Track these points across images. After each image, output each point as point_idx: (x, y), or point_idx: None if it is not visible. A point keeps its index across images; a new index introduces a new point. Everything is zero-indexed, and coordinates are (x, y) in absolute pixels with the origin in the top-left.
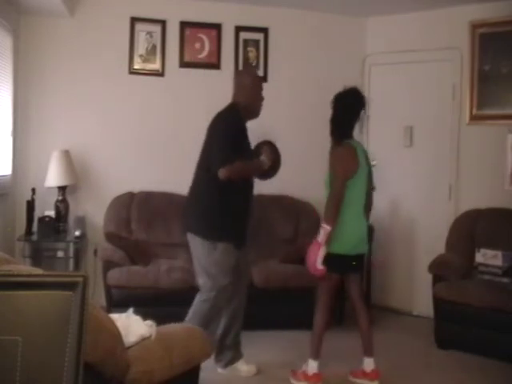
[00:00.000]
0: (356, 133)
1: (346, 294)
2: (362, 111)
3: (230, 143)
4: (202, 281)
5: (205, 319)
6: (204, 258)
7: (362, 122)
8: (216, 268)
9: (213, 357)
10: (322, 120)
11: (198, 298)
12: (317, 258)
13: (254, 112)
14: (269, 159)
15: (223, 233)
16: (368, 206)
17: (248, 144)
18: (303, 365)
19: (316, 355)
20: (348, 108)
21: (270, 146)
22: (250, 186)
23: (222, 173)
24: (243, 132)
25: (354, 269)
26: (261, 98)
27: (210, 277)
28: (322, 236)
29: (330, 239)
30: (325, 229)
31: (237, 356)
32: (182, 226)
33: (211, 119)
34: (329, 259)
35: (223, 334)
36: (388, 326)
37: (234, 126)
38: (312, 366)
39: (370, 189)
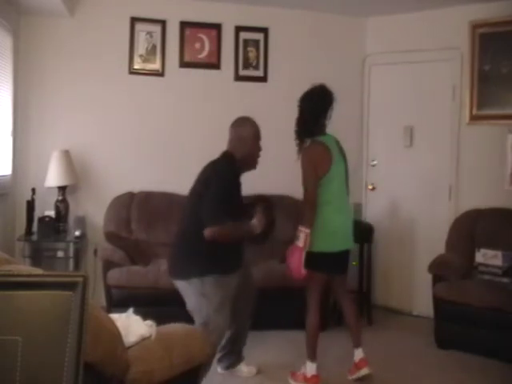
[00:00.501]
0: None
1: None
2: (330, 108)
3: (222, 201)
4: (197, 322)
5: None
6: (196, 300)
7: (330, 118)
8: (210, 303)
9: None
10: None
11: None
12: (301, 263)
13: (251, 164)
14: (260, 224)
15: (210, 266)
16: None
17: (240, 198)
18: (302, 366)
19: (313, 356)
20: (313, 107)
21: (264, 208)
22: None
23: (208, 232)
24: (237, 186)
25: (339, 266)
26: (259, 150)
27: (206, 320)
28: (302, 240)
29: (310, 240)
30: (304, 232)
31: (239, 359)
32: (170, 273)
33: (205, 166)
34: (312, 259)
35: (231, 341)
36: (388, 325)
37: (229, 182)
38: (310, 368)
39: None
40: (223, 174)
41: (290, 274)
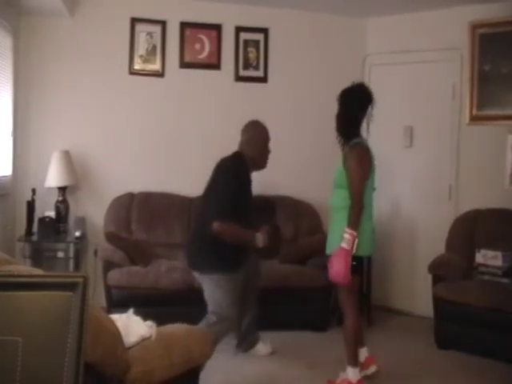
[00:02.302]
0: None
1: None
2: (370, 107)
3: (231, 195)
4: (213, 309)
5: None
6: (215, 289)
7: (368, 119)
8: (227, 298)
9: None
10: (322, 120)
11: (204, 322)
12: (348, 266)
13: (260, 165)
14: (264, 241)
15: (228, 266)
16: None
17: (250, 196)
18: (340, 373)
19: (355, 362)
20: (357, 103)
21: (272, 230)
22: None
23: (216, 226)
24: (247, 184)
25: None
26: (268, 151)
27: (218, 310)
28: (349, 242)
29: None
30: (351, 234)
31: (256, 340)
32: (189, 265)
33: (217, 163)
34: (353, 263)
35: (246, 331)
36: (388, 325)
37: (236, 178)
38: (354, 373)
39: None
40: (231, 171)
41: (334, 277)
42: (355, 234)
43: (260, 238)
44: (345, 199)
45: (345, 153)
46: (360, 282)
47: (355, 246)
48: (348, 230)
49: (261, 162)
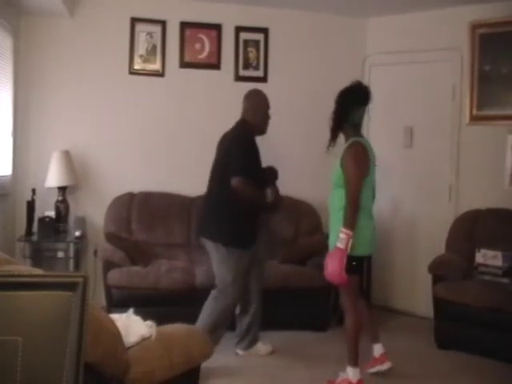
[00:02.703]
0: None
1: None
2: (363, 106)
3: (246, 156)
4: (217, 282)
5: (217, 316)
6: (219, 263)
7: (367, 117)
8: (230, 273)
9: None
10: (322, 120)
11: (211, 296)
12: (343, 266)
13: (261, 130)
14: (273, 194)
15: (239, 240)
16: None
17: (259, 161)
18: (339, 373)
19: (355, 362)
20: (347, 101)
21: (274, 189)
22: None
23: (235, 181)
24: (256, 149)
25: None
26: (268, 117)
27: (224, 281)
28: (344, 242)
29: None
30: (347, 234)
31: (255, 339)
32: (201, 232)
33: (222, 137)
34: (350, 262)
35: (247, 329)
36: (388, 325)
37: (247, 142)
38: (354, 373)
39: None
40: (242, 136)
41: (329, 277)
42: (351, 233)
43: (269, 193)
44: (343, 199)
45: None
46: (360, 281)
47: (350, 246)
48: (344, 229)
49: (262, 128)
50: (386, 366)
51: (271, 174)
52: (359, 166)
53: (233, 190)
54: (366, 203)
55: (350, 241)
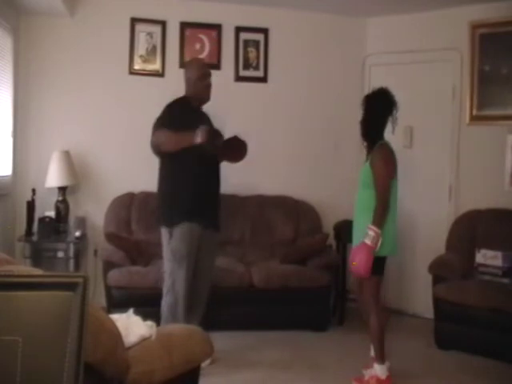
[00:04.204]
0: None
1: (346, 295)
2: (394, 111)
3: (166, 116)
4: (165, 269)
5: (171, 310)
6: (165, 247)
7: (394, 122)
8: (173, 255)
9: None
10: (322, 120)
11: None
12: (369, 262)
13: (203, 99)
14: (203, 136)
15: (178, 215)
16: None
17: (193, 123)
18: (363, 371)
19: (382, 359)
20: (381, 108)
21: (212, 130)
22: (206, 163)
23: (151, 140)
24: (187, 113)
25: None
26: (206, 86)
27: (168, 265)
28: (372, 239)
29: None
30: (375, 232)
31: None
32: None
33: None
34: (378, 263)
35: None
36: (388, 326)
37: (174, 106)
38: (382, 370)
39: None
40: (167, 106)
41: (356, 270)
42: (379, 232)
43: (198, 134)
44: (371, 199)
45: (371, 154)
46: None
47: (379, 245)
48: (372, 227)
49: (202, 97)
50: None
51: (206, 130)
52: (388, 167)
53: (152, 149)
54: (392, 203)
55: (380, 240)
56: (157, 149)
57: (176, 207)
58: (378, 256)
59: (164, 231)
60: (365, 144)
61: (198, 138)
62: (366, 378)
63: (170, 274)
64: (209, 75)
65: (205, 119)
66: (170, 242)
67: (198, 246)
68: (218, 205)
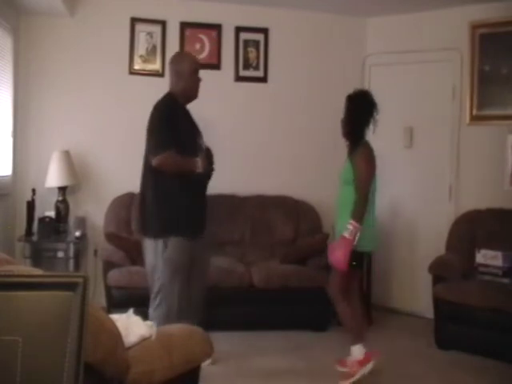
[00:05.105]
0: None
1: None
2: (375, 113)
3: (161, 130)
4: (154, 287)
5: (160, 323)
6: (156, 259)
7: (374, 124)
8: (167, 268)
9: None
10: (322, 120)
11: (150, 307)
12: (347, 255)
13: (191, 95)
14: (203, 163)
15: (173, 226)
16: None
17: (190, 134)
18: (347, 361)
19: (357, 340)
20: (365, 108)
21: (206, 154)
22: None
23: (155, 161)
24: (179, 116)
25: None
26: (197, 81)
27: (161, 276)
28: (352, 233)
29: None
30: (355, 226)
31: None
32: (139, 231)
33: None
34: (358, 257)
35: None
36: (388, 326)
37: (164, 113)
38: (358, 350)
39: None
40: (157, 109)
41: (334, 263)
42: (358, 226)
43: (199, 163)
44: (352, 195)
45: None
46: (360, 277)
47: (357, 238)
48: (352, 221)
49: (192, 94)
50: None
51: (205, 158)
52: (370, 164)
53: (156, 169)
54: (372, 200)
55: (358, 234)
56: (159, 169)
57: (172, 218)
58: (357, 250)
59: (153, 242)
60: (347, 143)
61: (200, 168)
62: (348, 365)
63: (162, 285)
64: (198, 68)
65: (192, 119)
66: (165, 252)
67: (190, 257)
68: (206, 211)
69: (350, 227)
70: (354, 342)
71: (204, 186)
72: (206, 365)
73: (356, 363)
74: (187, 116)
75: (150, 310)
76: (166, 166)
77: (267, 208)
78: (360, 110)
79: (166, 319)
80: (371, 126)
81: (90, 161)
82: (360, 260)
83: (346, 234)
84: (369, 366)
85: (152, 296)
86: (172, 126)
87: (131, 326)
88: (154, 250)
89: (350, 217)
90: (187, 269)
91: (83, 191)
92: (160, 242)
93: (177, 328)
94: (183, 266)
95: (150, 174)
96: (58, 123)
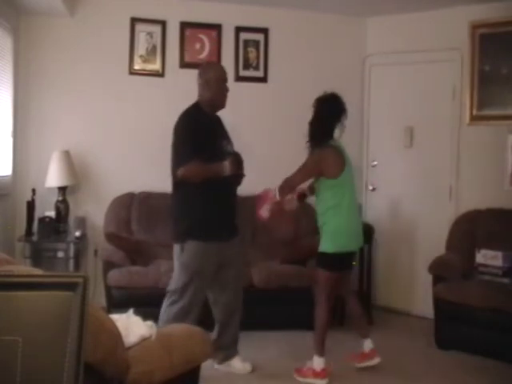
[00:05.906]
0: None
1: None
2: (343, 117)
3: (190, 141)
4: (171, 285)
5: (177, 319)
6: (175, 263)
7: (341, 129)
8: (182, 272)
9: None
10: None
11: (164, 303)
12: (265, 206)
13: (219, 105)
14: (231, 166)
15: (187, 230)
16: None
17: (215, 142)
18: (307, 362)
19: (321, 352)
20: (332, 110)
21: (235, 158)
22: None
23: (180, 172)
24: (207, 126)
25: (349, 264)
26: (225, 90)
27: (175, 279)
28: (275, 192)
29: (323, 241)
30: (276, 193)
31: (232, 353)
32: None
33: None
34: (328, 259)
35: (219, 332)
36: (388, 325)
37: (194, 123)
38: (318, 362)
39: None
40: (182, 119)
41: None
42: (277, 197)
43: (227, 166)
44: (327, 200)
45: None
46: (347, 278)
47: (277, 194)
48: (277, 190)
49: (219, 102)
50: (375, 361)
51: (234, 161)
52: (316, 167)
53: (182, 180)
54: (343, 201)
55: (274, 198)
56: (185, 180)
57: (186, 223)
58: (327, 253)
59: (175, 246)
60: (309, 145)
61: (227, 170)
62: (304, 369)
63: (176, 289)
64: (226, 80)
65: (221, 127)
66: (181, 256)
67: (217, 262)
68: (236, 212)
69: (277, 191)
70: (316, 353)
71: (230, 190)
72: (245, 371)
73: (311, 370)
74: (214, 124)
75: (161, 309)
76: (191, 175)
77: None
78: (326, 115)
79: (183, 317)
80: (337, 131)
81: (89, 161)
82: (341, 262)
83: (273, 192)
84: (320, 383)
85: (166, 296)
86: (194, 135)
87: (131, 326)
88: (175, 254)
89: (333, 223)
90: (208, 274)
91: (83, 191)
92: (178, 247)
93: (177, 328)
94: (200, 270)
95: (173, 182)
96: (58, 123)
